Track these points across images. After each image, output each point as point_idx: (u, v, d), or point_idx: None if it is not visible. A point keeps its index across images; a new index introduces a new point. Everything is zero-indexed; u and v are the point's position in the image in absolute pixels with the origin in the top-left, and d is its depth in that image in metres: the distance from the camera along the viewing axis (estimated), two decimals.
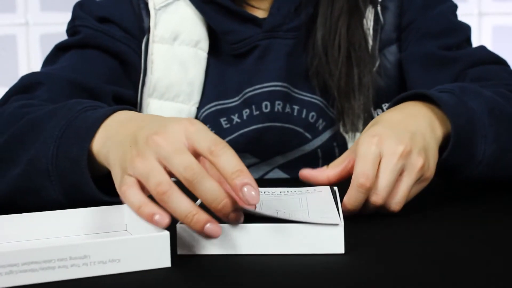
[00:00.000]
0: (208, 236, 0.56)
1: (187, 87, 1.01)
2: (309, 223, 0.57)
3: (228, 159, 0.56)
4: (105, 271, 0.53)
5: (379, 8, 1.02)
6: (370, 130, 0.71)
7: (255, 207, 0.59)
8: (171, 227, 0.58)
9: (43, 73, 0.93)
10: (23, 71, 1.94)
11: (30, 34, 1.94)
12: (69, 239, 0.64)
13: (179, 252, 0.59)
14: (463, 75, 0.97)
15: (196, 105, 1.01)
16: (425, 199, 0.79)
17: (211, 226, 0.56)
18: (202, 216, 0.56)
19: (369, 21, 1.01)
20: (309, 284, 0.51)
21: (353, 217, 0.68)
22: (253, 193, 0.55)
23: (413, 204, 0.75)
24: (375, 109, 1.01)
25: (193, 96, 1.01)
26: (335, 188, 0.73)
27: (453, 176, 0.78)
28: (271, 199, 0.68)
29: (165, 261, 0.55)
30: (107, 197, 0.69)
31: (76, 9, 1.01)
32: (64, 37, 1.02)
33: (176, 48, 1.00)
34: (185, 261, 0.57)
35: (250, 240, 0.58)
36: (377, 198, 0.68)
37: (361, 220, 0.68)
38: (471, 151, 0.75)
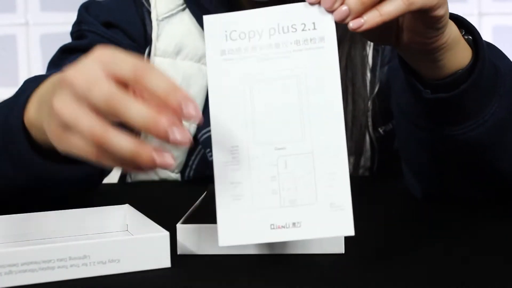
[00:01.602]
0: (176, 144, 0.49)
1: None
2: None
3: (158, 79, 0.49)
4: (105, 271, 0.53)
5: None
6: None
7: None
8: (171, 227, 0.58)
9: (47, 76, 0.92)
10: (23, 71, 1.94)
11: (30, 34, 1.94)
12: (69, 239, 0.64)
13: (179, 252, 0.59)
14: None
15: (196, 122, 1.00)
16: (425, 200, 0.79)
17: (177, 129, 0.48)
18: (166, 118, 0.48)
19: (369, 48, 0.98)
20: (309, 284, 0.51)
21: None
22: (191, 107, 0.48)
23: (414, 204, 0.75)
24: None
25: None
26: None
27: (446, 126, 0.70)
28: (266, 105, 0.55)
29: (165, 261, 0.55)
30: (52, 164, 0.66)
31: (82, 12, 0.98)
32: (65, 37, 1.02)
33: (179, 63, 0.97)
34: (185, 261, 0.57)
35: None
36: None
37: (361, 220, 0.68)
38: (481, 104, 0.69)
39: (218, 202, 0.54)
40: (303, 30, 0.55)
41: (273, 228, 0.53)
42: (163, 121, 0.48)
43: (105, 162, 0.50)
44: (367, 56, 0.97)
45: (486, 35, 1.91)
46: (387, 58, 0.98)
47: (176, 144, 0.49)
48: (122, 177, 1.05)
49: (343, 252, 0.58)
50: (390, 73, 0.97)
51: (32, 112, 0.66)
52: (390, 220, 0.69)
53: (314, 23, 0.55)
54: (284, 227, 0.53)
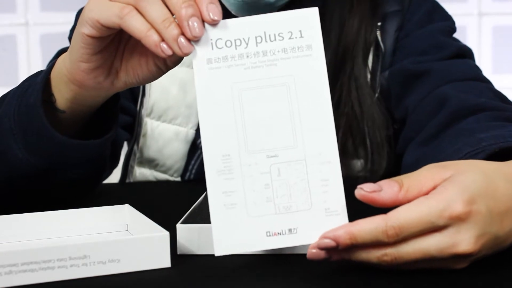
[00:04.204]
0: (176, 51, 0.56)
1: (185, 109, 1.00)
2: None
3: None
4: (105, 271, 0.53)
5: (378, 33, 0.98)
6: (470, 187, 0.50)
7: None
8: (171, 227, 0.58)
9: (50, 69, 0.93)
10: (23, 71, 1.94)
11: (30, 34, 1.94)
12: (69, 239, 0.64)
13: (179, 252, 0.59)
14: (443, 89, 0.88)
15: (195, 128, 1.00)
16: None
17: (184, 40, 0.55)
18: (178, 28, 0.55)
19: (369, 55, 0.97)
20: (309, 283, 0.51)
21: (353, 217, 0.68)
22: (196, 24, 0.55)
23: None
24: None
25: (191, 119, 1.00)
26: None
27: None
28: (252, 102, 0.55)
29: (165, 261, 0.55)
30: (68, 139, 0.71)
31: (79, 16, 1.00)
32: (65, 37, 1.02)
33: (176, 69, 0.98)
34: (185, 261, 0.57)
35: None
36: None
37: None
38: None
39: (212, 211, 0.53)
40: (290, 38, 0.55)
41: (269, 235, 0.53)
42: (176, 26, 0.55)
43: (132, 21, 0.57)
44: (368, 62, 0.97)
45: (486, 35, 1.91)
46: (387, 62, 0.98)
47: (182, 49, 0.55)
48: (123, 177, 1.05)
49: None
50: (391, 77, 0.97)
51: (57, 74, 0.70)
52: None
53: (300, 31, 0.55)
54: (280, 233, 0.53)
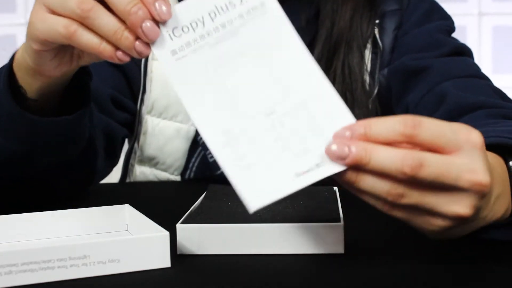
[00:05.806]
0: (135, 57, 0.55)
1: None
2: (309, 221, 0.58)
3: None
4: (105, 271, 0.53)
5: (376, 31, 0.98)
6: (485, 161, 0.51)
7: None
8: (171, 227, 0.58)
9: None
10: None
11: None
12: (69, 239, 0.64)
13: (179, 252, 0.59)
14: (442, 86, 0.89)
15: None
16: None
17: (141, 44, 0.54)
18: (132, 34, 0.54)
19: (367, 51, 0.97)
20: (309, 284, 0.51)
21: (353, 217, 0.68)
22: (149, 25, 0.53)
23: None
24: None
25: None
26: (335, 188, 0.73)
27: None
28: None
29: (165, 261, 0.55)
30: (39, 117, 0.69)
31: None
32: None
33: None
34: (185, 261, 0.57)
35: (250, 240, 0.58)
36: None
37: (361, 220, 0.68)
38: None
39: (231, 178, 0.51)
40: (241, 3, 0.54)
41: (299, 175, 0.51)
42: (129, 35, 0.54)
43: (82, 39, 0.56)
44: (364, 60, 0.97)
45: (486, 35, 1.91)
46: (386, 60, 0.98)
47: (140, 54, 0.54)
48: (123, 176, 1.05)
49: (343, 252, 0.58)
50: (391, 75, 0.97)
51: (18, 64, 0.68)
52: (390, 220, 0.69)
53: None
54: (308, 170, 0.51)
